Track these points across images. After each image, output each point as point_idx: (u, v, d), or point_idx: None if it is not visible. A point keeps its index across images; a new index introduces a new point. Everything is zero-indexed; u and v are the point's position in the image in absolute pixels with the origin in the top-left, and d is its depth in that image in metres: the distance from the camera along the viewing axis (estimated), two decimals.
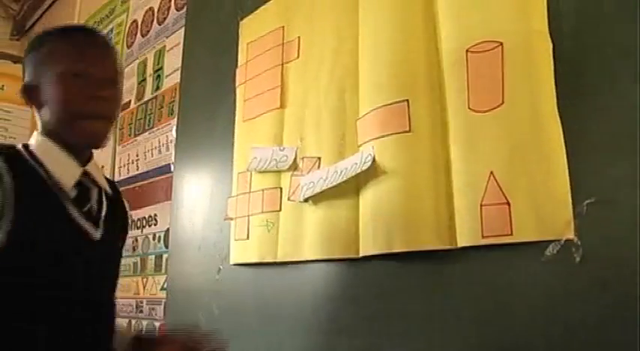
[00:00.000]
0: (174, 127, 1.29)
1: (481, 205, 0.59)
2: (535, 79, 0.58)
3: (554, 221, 0.54)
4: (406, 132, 0.68)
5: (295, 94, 0.89)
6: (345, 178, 0.73)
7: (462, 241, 0.61)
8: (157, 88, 1.45)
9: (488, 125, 0.61)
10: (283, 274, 0.85)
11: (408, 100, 0.69)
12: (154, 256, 1.31)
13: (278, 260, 0.85)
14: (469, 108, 0.63)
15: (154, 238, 1.33)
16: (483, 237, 0.59)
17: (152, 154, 1.42)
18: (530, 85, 0.59)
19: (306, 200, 0.81)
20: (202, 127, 1.13)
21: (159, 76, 1.45)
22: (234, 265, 0.94)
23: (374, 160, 0.70)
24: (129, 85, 1.62)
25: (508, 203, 0.57)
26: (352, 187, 0.75)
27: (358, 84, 0.78)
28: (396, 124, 0.70)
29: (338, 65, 0.82)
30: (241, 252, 0.93)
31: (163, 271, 1.26)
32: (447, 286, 0.63)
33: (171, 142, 1.34)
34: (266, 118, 0.93)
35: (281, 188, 0.87)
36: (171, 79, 1.39)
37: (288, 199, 0.85)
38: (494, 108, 0.60)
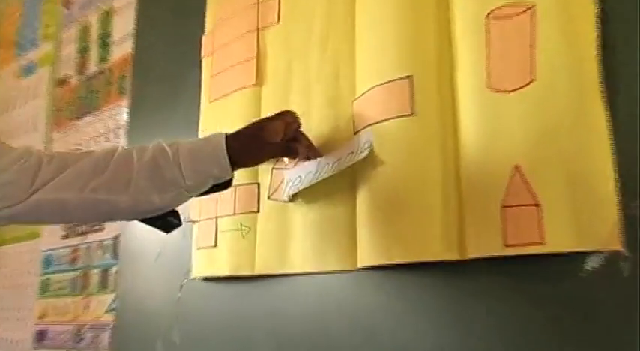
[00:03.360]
0: (126, 109, 1.28)
1: (502, 207, 0.58)
2: (575, 51, 0.57)
3: (596, 227, 0.54)
4: (408, 116, 0.68)
5: (276, 68, 0.88)
6: (338, 170, 0.72)
7: (478, 251, 0.61)
8: (104, 59, 1.44)
9: (514, 108, 0.60)
10: (263, 289, 0.83)
11: (411, 77, 0.68)
12: (98, 270, 1.30)
13: (256, 273, 0.83)
14: (488, 87, 0.62)
15: (98, 248, 1.31)
16: (506, 246, 0.58)
17: (98, 141, 1.41)
18: (569, 58, 0.58)
19: (291, 200, 0.80)
20: (161, 108, 1.12)
21: (105, 44, 1.44)
22: (201, 279, 0.93)
23: (371, 148, 0.69)
24: (66, 54, 1.60)
25: (538, 204, 0.57)
26: (347, 183, 0.74)
27: (355, 56, 0.77)
28: (396, 105, 0.68)
29: (330, 33, 0.81)
30: (206, 263, 0.91)
31: (111, 288, 1.24)
32: (458, 305, 0.62)
33: (122, 127, 1.32)
34: (238, 97, 0.92)
35: (259, 184, 0.86)
36: (122, 48, 1.37)
37: (269, 197, 0.84)
38: (523, 87, 0.60)
